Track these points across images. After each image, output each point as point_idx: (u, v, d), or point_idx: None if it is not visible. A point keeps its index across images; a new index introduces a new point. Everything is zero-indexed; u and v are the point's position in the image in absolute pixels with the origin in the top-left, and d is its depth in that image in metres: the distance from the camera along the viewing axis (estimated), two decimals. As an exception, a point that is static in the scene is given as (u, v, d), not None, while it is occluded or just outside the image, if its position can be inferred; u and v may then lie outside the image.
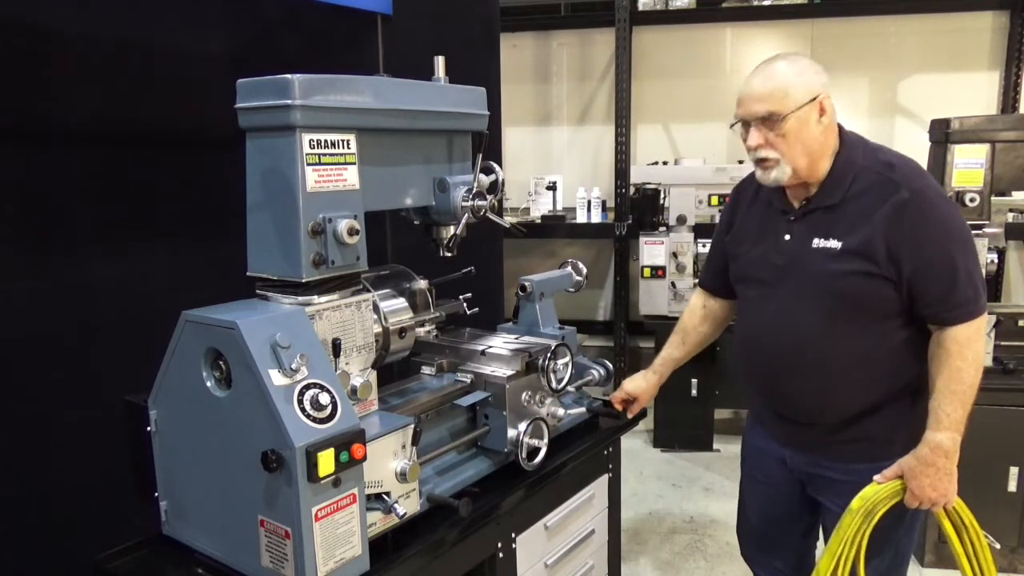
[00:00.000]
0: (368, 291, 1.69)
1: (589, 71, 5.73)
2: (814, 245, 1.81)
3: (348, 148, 1.56)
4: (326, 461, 1.37)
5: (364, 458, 1.45)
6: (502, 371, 1.93)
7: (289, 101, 1.44)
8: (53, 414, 2.06)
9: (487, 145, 1.87)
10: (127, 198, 2.22)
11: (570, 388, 2.18)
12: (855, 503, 1.80)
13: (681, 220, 4.40)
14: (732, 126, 1.87)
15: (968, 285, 1.74)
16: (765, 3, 5.29)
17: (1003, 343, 3.15)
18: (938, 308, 1.75)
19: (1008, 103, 5.02)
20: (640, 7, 5.35)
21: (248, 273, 1.60)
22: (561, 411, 2.06)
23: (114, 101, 2.17)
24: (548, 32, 5.77)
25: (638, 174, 4.75)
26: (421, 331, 1.91)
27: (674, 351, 2.28)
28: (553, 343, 2.04)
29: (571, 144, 5.87)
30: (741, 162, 4.85)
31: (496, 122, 2.39)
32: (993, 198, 3.03)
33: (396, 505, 1.58)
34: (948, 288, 1.73)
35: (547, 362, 2.00)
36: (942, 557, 3.11)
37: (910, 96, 5.23)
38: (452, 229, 1.89)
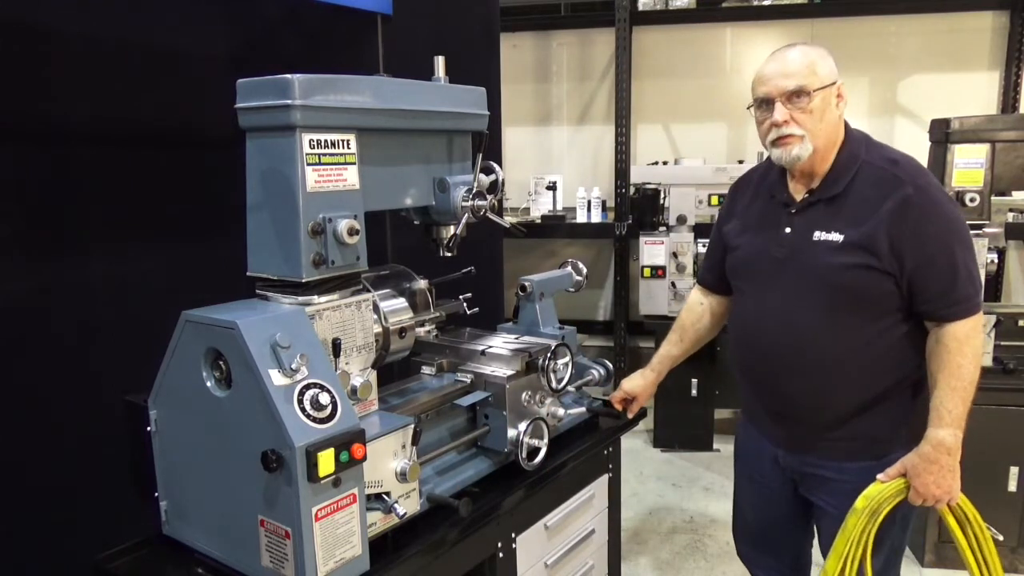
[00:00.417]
0: (368, 291, 1.69)
1: (589, 71, 5.73)
2: (815, 238, 1.82)
3: (348, 148, 1.56)
4: (326, 461, 1.37)
5: (364, 458, 1.45)
6: (502, 371, 1.93)
7: (289, 101, 1.44)
8: (53, 414, 2.06)
9: (487, 145, 1.87)
10: (127, 198, 2.22)
11: (570, 388, 2.18)
12: (860, 502, 1.80)
13: (681, 220, 4.40)
14: (749, 107, 1.88)
15: (968, 282, 1.75)
16: (765, 3, 5.29)
17: (1003, 343, 3.15)
18: (938, 304, 1.75)
19: (1008, 103, 5.02)
20: (640, 7, 5.35)
21: (248, 273, 1.60)
22: (561, 411, 2.06)
23: (114, 101, 2.17)
24: (548, 32, 5.76)
25: (638, 174, 4.75)
26: (421, 331, 1.92)
27: (672, 349, 2.28)
28: (553, 343, 2.04)
29: (571, 144, 5.87)
30: (741, 162, 4.87)
31: (496, 122, 2.39)
32: (993, 198, 3.03)
33: (396, 505, 1.58)
34: (949, 285, 1.74)
35: (547, 362, 2.00)
36: (942, 557, 3.12)
37: (910, 96, 5.23)
38: (452, 229, 1.89)
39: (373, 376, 1.68)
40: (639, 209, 4.68)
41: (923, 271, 1.74)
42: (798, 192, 1.89)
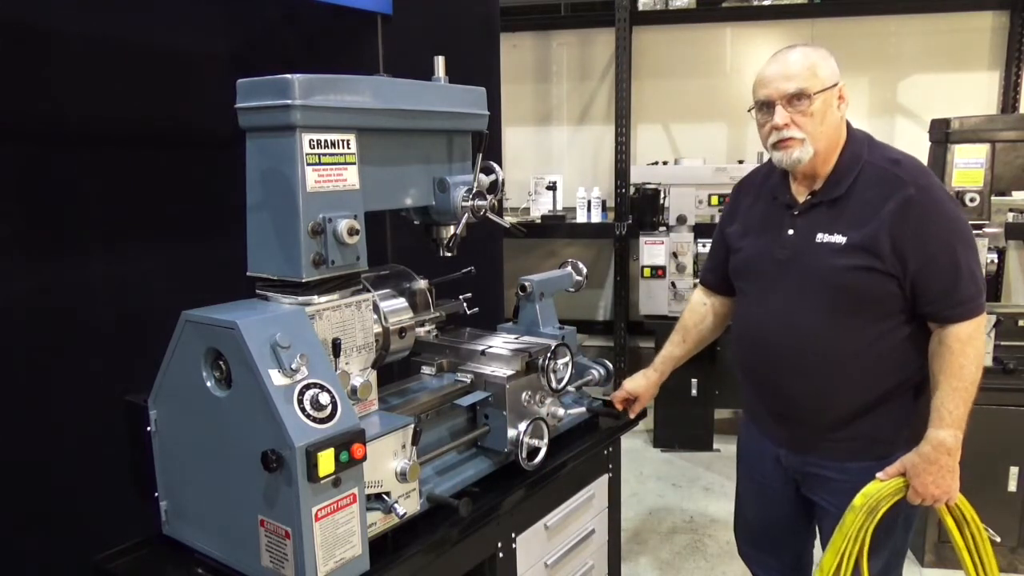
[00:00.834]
0: (368, 291, 1.69)
1: (589, 71, 5.73)
2: (818, 239, 1.82)
3: (348, 148, 1.56)
4: (326, 461, 1.37)
5: (364, 458, 1.45)
6: (502, 371, 1.93)
7: (289, 101, 1.44)
8: (53, 414, 2.06)
9: (487, 145, 1.87)
10: (127, 198, 2.22)
11: (570, 388, 2.18)
12: (858, 500, 1.80)
13: (681, 220, 4.40)
14: (750, 110, 1.88)
15: (971, 283, 1.75)
16: (765, 3, 5.29)
17: (1003, 343, 3.15)
18: (941, 305, 1.75)
19: (1008, 103, 5.02)
20: (640, 7, 5.36)
21: (248, 273, 1.60)
22: (561, 411, 2.06)
23: (114, 101, 2.17)
24: (548, 32, 5.77)
25: (638, 174, 4.75)
26: (421, 331, 1.91)
27: (675, 349, 2.27)
28: (553, 343, 2.04)
29: (571, 144, 5.87)
30: (741, 162, 4.87)
31: (496, 122, 2.39)
32: (993, 198, 3.03)
33: (396, 505, 1.58)
34: (951, 286, 1.74)
35: (547, 362, 2.00)
36: (942, 557, 3.12)
37: (910, 96, 5.24)
38: (452, 229, 1.89)
39: (373, 376, 1.68)
40: (639, 209, 4.69)
41: (926, 272, 1.74)
42: (800, 194, 1.89)
